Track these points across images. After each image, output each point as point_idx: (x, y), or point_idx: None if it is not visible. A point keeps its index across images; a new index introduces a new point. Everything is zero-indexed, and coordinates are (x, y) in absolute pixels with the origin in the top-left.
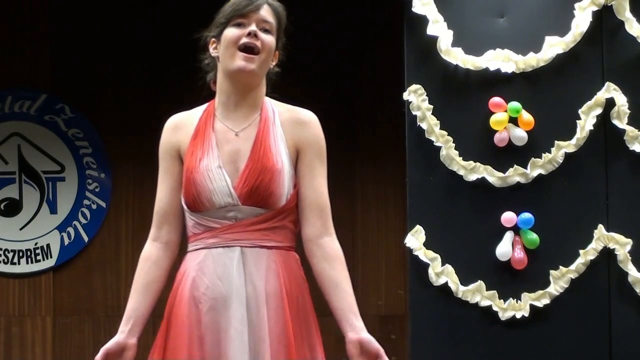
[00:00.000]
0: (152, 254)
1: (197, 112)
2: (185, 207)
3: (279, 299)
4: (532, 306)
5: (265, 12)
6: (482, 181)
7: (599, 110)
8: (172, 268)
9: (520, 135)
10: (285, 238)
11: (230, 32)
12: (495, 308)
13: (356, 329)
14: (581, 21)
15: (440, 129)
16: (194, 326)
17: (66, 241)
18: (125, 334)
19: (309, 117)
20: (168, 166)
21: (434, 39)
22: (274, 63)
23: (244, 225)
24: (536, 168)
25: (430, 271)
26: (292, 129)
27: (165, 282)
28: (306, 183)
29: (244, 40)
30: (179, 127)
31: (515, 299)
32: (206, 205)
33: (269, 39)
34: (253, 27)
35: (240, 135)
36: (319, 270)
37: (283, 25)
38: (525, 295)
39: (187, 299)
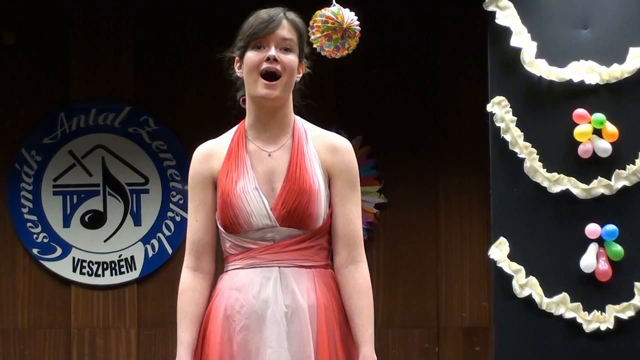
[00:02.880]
0: (197, 285)
1: (227, 136)
2: (221, 228)
3: (322, 315)
4: (616, 318)
5: (284, 30)
6: (566, 193)
7: None
8: None
9: (604, 146)
10: (321, 257)
11: (251, 57)
12: (579, 320)
13: None
14: None
15: (524, 140)
16: (226, 345)
17: (150, 253)
18: None
19: (342, 143)
20: (202, 196)
21: (517, 51)
22: (299, 75)
23: (282, 246)
24: (620, 179)
25: (514, 283)
26: (324, 153)
27: None
28: (337, 211)
29: (264, 65)
30: (210, 155)
31: (599, 311)
32: (244, 227)
33: (290, 59)
34: (272, 52)
35: (274, 155)
36: (342, 297)
37: (305, 36)
38: (609, 307)
39: (220, 318)
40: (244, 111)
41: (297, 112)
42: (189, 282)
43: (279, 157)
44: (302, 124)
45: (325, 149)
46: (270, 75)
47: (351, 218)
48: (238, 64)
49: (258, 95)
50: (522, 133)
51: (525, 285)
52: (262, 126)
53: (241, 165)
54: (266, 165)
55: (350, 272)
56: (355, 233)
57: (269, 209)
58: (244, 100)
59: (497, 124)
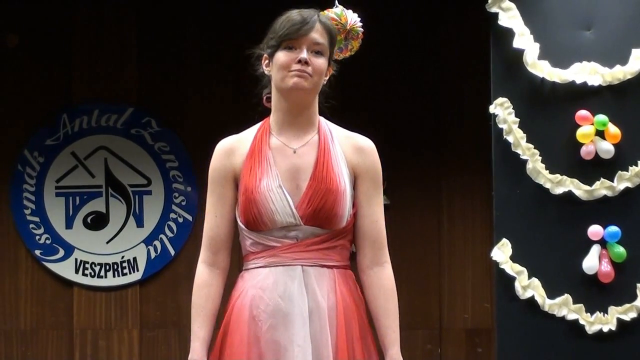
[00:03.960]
0: (212, 280)
1: (250, 132)
2: (242, 226)
3: (341, 316)
4: (619, 320)
5: (317, 34)
6: (569, 194)
7: None
8: None
9: (607, 148)
10: (343, 257)
11: (282, 57)
12: (582, 322)
13: None
14: None
15: (527, 142)
16: (253, 344)
17: (153, 254)
18: None
19: (367, 144)
20: (222, 191)
21: (520, 52)
22: (326, 78)
23: (305, 245)
24: (623, 181)
25: (517, 284)
26: (350, 154)
27: None
28: (362, 211)
29: (295, 67)
30: (232, 150)
31: (602, 313)
32: (267, 225)
33: (320, 62)
34: (304, 55)
35: (299, 152)
36: (366, 299)
37: (335, 41)
38: (612, 309)
39: (246, 317)
40: (267, 110)
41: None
42: (206, 278)
43: (304, 154)
44: (326, 124)
45: (352, 149)
46: (301, 72)
47: (376, 219)
48: (266, 62)
49: (288, 86)
50: (525, 134)
51: (528, 286)
52: (288, 123)
53: (264, 162)
54: (290, 162)
55: (376, 274)
56: (380, 234)
57: (293, 208)
58: (267, 99)
59: (500, 126)
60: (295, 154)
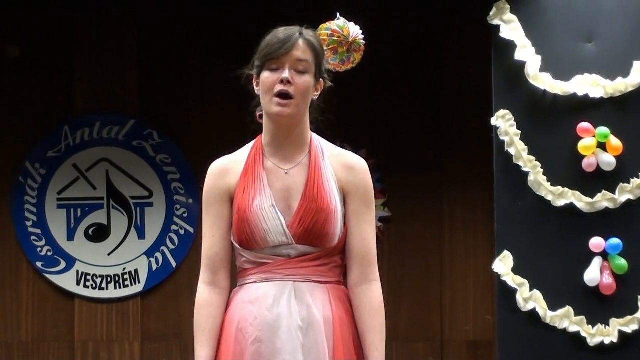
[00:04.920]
0: (213, 299)
1: (243, 152)
2: (236, 244)
3: (337, 327)
4: (620, 332)
5: (299, 51)
6: (570, 206)
7: None
8: None
9: (608, 160)
10: (335, 274)
11: (265, 78)
12: (583, 334)
13: None
14: None
15: (529, 154)
16: (238, 357)
17: (154, 266)
18: None
19: (358, 162)
20: (219, 211)
21: (522, 64)
22: (317, 93)
23: (296, 262)
24: (625, 193)
25: (519, 296)
26: (340, 172)
27: None
28: (351, 229)
29: (278, 88)
30: (227, 170)
31: (603, 325)
32: (260, 244)
33: (304, 80)
34: (286, 74)
35: (291, 173)
36: (355, 317)
37: (321, 54)
38: (613, 321)
39: (233, 331)
40: (262, 126)
41: (315, 129)
42: (206, 297)
43: (295, 174)
44: (319, 142)
45: (342, 168)
46: (283, 96)
47: (365, 237)
48: (256, 82)
49: (272, 112)
50: (527, 147)
51: (529, 298)
52: (278, 144)
53: (258, 181)
54: (283, 183)
55: (364, 292)
56: (369, 252)
57: (285, 227)
58: (261, 116)
59: (502, 138)
60: (287, 174)
